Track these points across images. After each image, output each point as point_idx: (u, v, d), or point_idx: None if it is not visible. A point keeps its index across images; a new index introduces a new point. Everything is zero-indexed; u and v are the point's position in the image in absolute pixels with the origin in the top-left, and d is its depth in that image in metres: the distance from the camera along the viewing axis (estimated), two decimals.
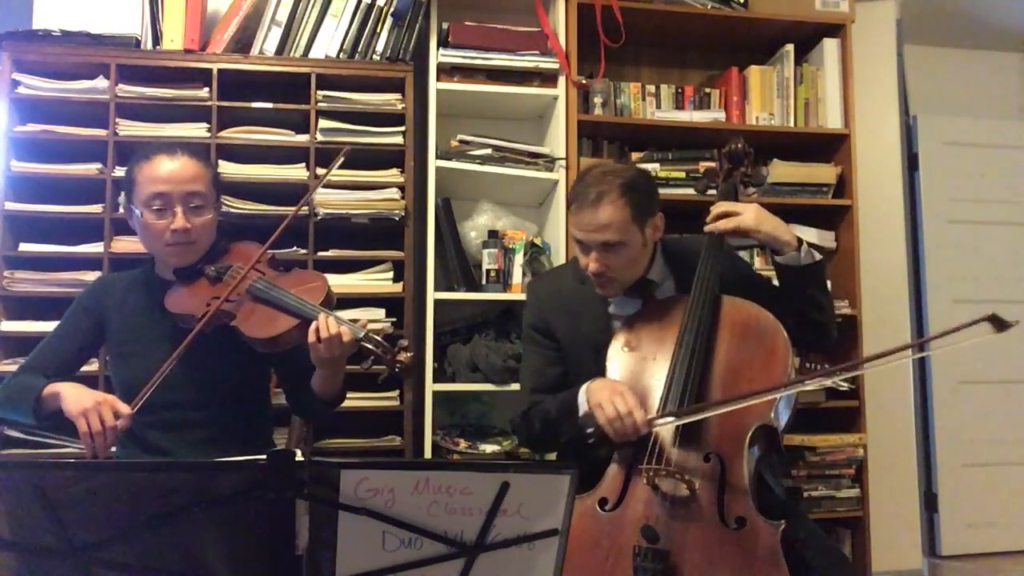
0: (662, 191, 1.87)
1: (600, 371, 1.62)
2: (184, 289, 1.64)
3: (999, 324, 1.14)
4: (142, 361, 1.59)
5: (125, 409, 1.45)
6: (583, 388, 1.59)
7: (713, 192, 1.86)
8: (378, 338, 1.49)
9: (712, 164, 2.72)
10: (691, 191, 2.44)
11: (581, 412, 1.56)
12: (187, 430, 1.62)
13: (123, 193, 1.69)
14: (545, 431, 1.73)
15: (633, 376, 1.58)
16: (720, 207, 1.71)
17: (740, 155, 1.82)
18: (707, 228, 1.71)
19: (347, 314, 2.33)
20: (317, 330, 1.48)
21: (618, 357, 1.61)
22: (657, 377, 1.55)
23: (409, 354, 1.48)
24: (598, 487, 1.49)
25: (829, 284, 1.80)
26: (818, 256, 1.67)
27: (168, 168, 1.61)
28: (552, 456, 1.98)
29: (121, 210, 1.70)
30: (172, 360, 1.48)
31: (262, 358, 1.64)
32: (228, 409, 1.66)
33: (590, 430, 1.50)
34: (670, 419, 1.46)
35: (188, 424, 1.62)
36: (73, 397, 1.48)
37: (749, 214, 1.67)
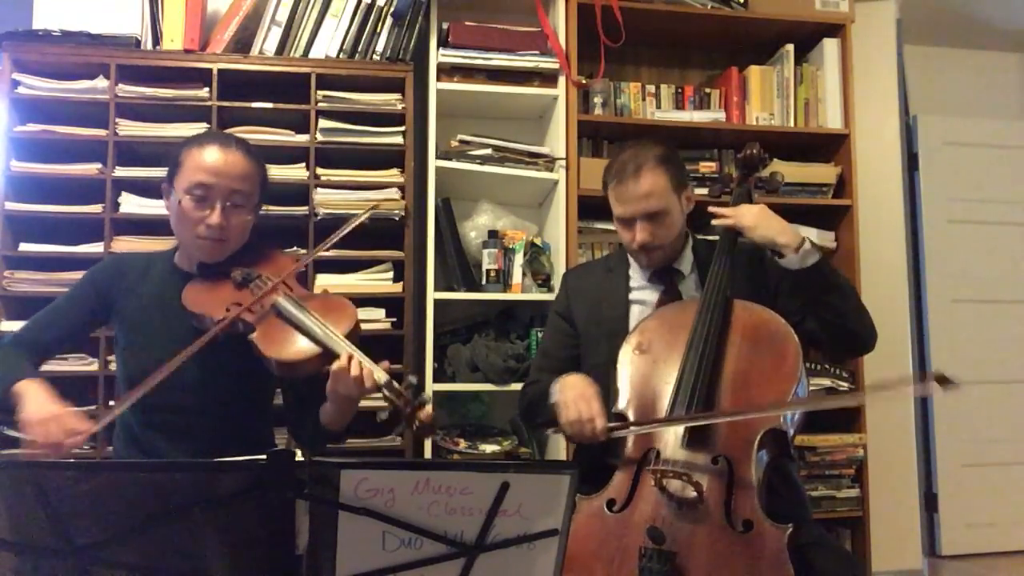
0: None
1: (612, 358, 1.63)
2: (205, 286, 1.56)
3: (945, 383, 1.28)
4: (149, 356, 1.52)
5: (83, 427, 1.40)
6: (557, 380, 1.63)
7: (728, 197, 1.86)
8: (399, 388, 1.36)
9: (712, 164, 2.74)
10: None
11: (551, 401, 1.61)
12: (187, 436, 1.58)
13: (166, 172, 1.62)
14: (530, 408, 1.83)
15: (643, 379, 1.58)
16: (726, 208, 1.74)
17: (755, 161, 1.82)
18: (713, 223, 1.74)
19: None
20: (340, 367, 1.39)
21: (629, 360, 1.61)
22: (667, 380, 1.55)
23: (431, 412, 1.36)
24: (606, 488, 1.48)
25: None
26: (816, 257, 1.61)
27: (218, 159, 1.55)
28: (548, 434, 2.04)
29: (164, 199, 1.62)
30: (178, 361, 1.40)
31: (271, 372, 1.54)
32: (230, 416, 1.61)
33: (552, 429, 1.62)
34: (630, 430, 1.50)
35: (189, 429, 1.58)
36: (33, 406, 1.41)
37: (748, 214, 1.68)
